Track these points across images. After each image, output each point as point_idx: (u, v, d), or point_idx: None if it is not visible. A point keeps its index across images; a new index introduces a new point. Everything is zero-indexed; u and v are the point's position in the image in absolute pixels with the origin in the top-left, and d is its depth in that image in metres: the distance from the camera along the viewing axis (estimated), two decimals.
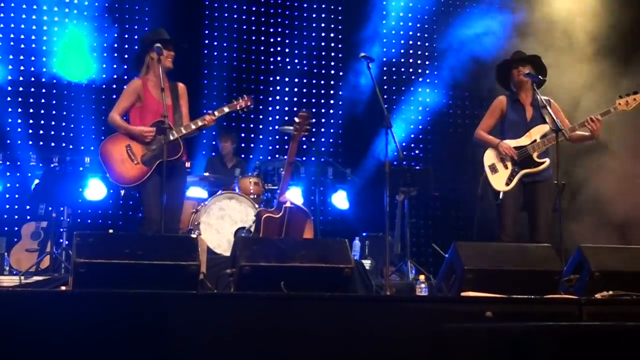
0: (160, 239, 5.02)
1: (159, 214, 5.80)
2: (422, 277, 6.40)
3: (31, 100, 9.28)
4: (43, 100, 9.33)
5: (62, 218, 8.09)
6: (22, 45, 9.28)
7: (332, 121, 10.59)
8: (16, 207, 8.99)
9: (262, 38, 10.52)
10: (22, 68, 9.24)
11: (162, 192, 5.85)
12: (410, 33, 11.16)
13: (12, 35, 9.24)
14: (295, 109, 9.68)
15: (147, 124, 5.97)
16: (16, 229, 8.38)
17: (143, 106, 6.03)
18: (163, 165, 5.75)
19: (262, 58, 10.48)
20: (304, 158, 9.39)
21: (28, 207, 8.69)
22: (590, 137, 6.26)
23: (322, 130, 10.51)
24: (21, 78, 9.24)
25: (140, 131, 5.94)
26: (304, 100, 10.54)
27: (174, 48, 6.08)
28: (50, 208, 8.01)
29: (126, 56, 9.50)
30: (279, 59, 10.53)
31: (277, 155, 8.74)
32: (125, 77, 8.85)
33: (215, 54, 10.22)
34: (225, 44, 10.28)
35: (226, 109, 6.18)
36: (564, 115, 6.38)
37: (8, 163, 8.78)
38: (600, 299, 4.69)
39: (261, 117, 10.28)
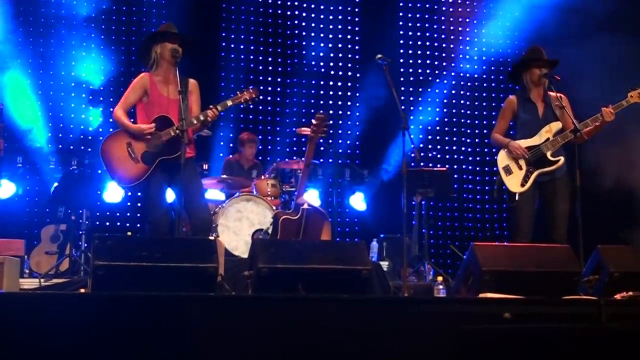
0: (178, 241, 5.04)
1: (164, 217, 5.75)
2: (440, 279, 6.39)
3: (50, 104, 9.35)
4: (62, 104, 9.39)
5: (81, 221, 8.10)
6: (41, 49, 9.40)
7: (349, 123, 10.59)
8: (36, 210, 9.09)
9: (279, 40, 10.53)
10: (40, 72, 9.32)
11: (164, 194, 5.82)
12: (427, 34, 11.14)
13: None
14: (312, 110, 9.69)
15: (151, 120, 5.81)
16: (36, 231, 8.44)
17: (149, 102, 5.86)
18: (165, 164, 5.69)
19: (280, 60, 10.50)
20: (321, 160, 9.40)
21: (47, 210, 8.74)
22: (600, 126, 6.04)
23: (340, 132, 10.51)
24: (40, 82, 9.31)
25: (139, 129, 5.76)
26: (321, 102, 10.55)
27: (181, 43, 5.86)
28: (69, 211, 8.04)
29: None
30: (296, 60, 10.54)
31: (294, 157, 8.72)
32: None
33: (232, 56, 10.26)
34: (242, 46, 10.31)
35: (229, 103, 5.94)
36: (571, 111, 6.18)
37: (28, 166, 8.85)
38: (620, 299, 4.65)
39: (278, 119, 10.31)
